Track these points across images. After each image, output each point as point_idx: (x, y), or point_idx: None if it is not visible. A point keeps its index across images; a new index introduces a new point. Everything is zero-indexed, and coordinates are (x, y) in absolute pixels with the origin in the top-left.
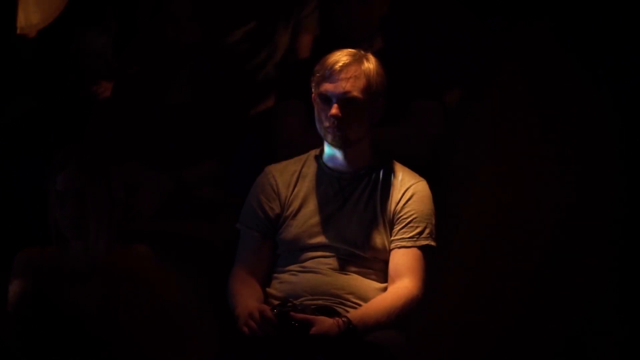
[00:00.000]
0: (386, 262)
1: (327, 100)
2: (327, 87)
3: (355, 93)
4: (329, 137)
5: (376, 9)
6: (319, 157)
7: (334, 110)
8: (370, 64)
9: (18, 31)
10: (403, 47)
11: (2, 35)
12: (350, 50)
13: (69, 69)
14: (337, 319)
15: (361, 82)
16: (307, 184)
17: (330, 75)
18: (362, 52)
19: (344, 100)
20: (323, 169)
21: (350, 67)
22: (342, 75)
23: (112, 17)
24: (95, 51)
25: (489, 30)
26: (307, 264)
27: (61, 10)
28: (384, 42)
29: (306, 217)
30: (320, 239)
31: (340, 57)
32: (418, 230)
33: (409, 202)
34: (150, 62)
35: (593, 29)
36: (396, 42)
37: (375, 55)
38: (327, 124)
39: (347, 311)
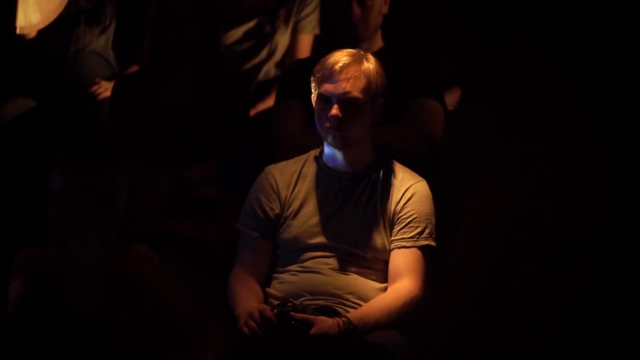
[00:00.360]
0: (386, 262)
1: (327, 100)
2: (327, 87)
3: (356, 93)
4: (329, 137)
5: (376, 9)
6: (319, 157)
7: (334, 110)
8: (370, 64)
9: (18, 31)
10: (403, 47)
11: (2, 35)
12: (350, 50)
13: (68, 69)
14: (337, 319)
15: (361, 83)
16: (307, 184)
17: (330, 75)
18: (362, 52)
19: (344, 100)
20: (323, 169)
21: (350, 67)
22: (342, 76)
23: (112, 17)
24: (95, 51)
25: (489, 30)
26: (307, 264)
27: (61, 11)
28: (384, 42)
29: (306, 217)
30: (320, 239)
31: (340, 58)
32: (418, 230)
33: (409, 202)
34: (150, 62)
35: (593, 29)
36: (396, 42)
37: (375, 55)
38: (327, 124)
39: (347, 311)
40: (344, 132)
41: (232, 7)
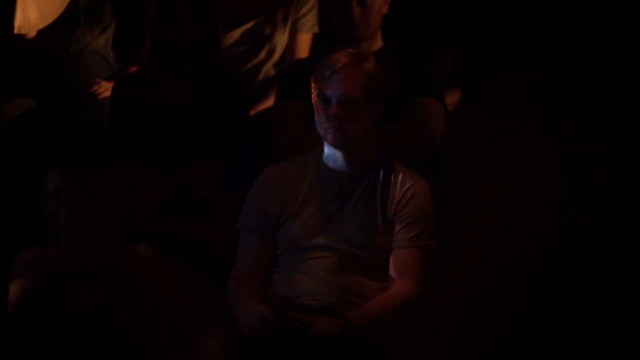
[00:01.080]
0: (386, 262)
1: (327, 100)
2: (327, 87)
3: (355, 93)
4: (329, 137)
5: (376, 9)
6: (319, 158)
7: (334, 110)
8: (370, 64)
9: (15, 30)
10: (403, 47)
11: (2, 35)
12: (350, 50)
13: (68, 69)
14: (337, 319)
15: (361, 83)
16: (307, 185)
17: (330, 75)
18: (362, 52)
19: (344, 100)
20: (323, 169)
21: (350, 67)
22: (342, 76)
23: (112, 17)
24: (95, 51)
25: (489, 30)
26: (307, 264)
27: (61, 11)
28: (384, 42)
29: (306, 218)
30: (321, 239)
31: (340, 58)
32: (418, 230)
33: (409, 202)
34: (150, 62)
35: (593, 29)
36: (396, 42)
37: (375, 55)
38: (327, 124)
39: (348, 311)
40: (343, 132)
41: (229, 8)
